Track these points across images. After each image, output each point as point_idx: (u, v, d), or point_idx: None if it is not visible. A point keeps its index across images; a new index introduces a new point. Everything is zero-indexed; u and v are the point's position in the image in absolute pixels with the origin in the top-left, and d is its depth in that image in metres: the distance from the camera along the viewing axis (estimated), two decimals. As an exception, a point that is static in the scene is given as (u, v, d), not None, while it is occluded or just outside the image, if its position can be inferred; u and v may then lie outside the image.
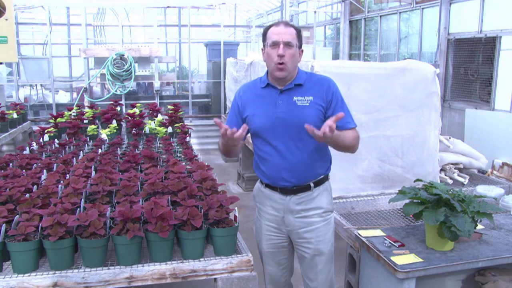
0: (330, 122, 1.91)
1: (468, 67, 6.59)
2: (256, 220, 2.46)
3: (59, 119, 5.01)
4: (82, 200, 2.39)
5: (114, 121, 4.92)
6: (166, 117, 5.22)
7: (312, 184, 2.26)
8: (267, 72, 2.28)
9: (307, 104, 2.18)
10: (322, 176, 2.30)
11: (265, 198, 2.34)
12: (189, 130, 4.78)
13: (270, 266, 2.43)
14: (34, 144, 4.06)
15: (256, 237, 2.47)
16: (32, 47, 9.94)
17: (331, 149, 2.29)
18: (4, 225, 2.08)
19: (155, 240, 2.10)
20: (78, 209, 2.26)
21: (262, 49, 2.26)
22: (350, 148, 2.22)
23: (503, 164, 4.28)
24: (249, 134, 2.30)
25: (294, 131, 2.17)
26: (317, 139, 1.97)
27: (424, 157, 3.57)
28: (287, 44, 2.12)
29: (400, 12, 8.16)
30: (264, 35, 2.21)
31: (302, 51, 2.24)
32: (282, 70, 2.15)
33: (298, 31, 2.19)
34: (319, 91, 2.21)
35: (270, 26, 2.21)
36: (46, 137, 4.40)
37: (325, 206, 2.30)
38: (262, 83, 2.28)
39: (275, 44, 2.13)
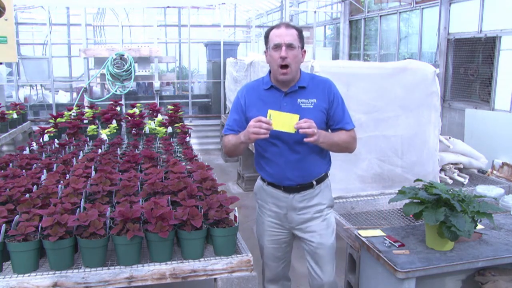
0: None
1: (468, 67, 6.59)
2: (257, 217, 2.50)
3: (59, 119, 5.00)
4: (82, 200, 2.39)
5: (114, 121, 4.91)
6: (166, 117, 5.22)
7: (314, 182, 2.32)
8: (269, 72, 2.28)
9: (311, 106, 2.22)
10: (323, 174, 2.37)
11: (268, 195, 2.38)
12: (189, 130, 4.78)
13: (271, 261, 2.47)
14: (34, 144, 4.06)
15: (257, 234, 2.51)
16: (32, 47, 9.92)
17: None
18: (4, 225, 2.08)
19: (155, 240, 2.10)
20: (78, 209, 2.26)
21: (264, 52, 2.27)
22: (345, 148, 2.27)
23: (503, 164, 4.27)
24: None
25: (298, 133, 2.17)
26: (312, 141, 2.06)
27: (424, 157, 3.57)
28: (289, 46, 2.13)
29: (400, 12, 8.15)
30: (266, 37, 2.22)
31: (305, 51, 2.25)
32: (285, 74, 2.16)
33: (300, 32, 2.20)
34: (321, 93, 2.25)
35: (271, 28, 2.22)
36: (46, 137, 4.40)
37: (327, 202, 2.38)
38: (265, 85, 2.28)
39: (277, 47, 2.14)
